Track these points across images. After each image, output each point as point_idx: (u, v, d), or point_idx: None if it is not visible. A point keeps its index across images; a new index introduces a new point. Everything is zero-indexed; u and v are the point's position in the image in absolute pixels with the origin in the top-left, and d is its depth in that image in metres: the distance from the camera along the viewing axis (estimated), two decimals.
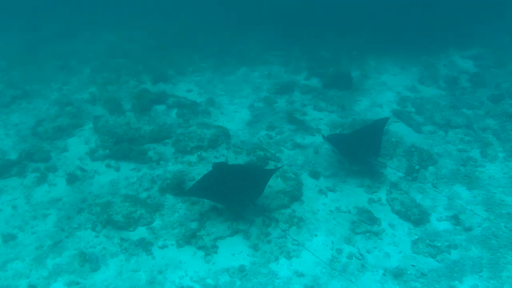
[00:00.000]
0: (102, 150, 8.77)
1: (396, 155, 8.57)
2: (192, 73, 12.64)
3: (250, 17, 16.52)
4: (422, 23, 14.64)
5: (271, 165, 8.33)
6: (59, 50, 14.74)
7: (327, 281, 6.08)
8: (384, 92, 11.21)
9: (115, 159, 8.63)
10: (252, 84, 11.82)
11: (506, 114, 9.77)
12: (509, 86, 11.02)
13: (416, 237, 6.77)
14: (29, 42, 15.46)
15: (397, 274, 6.14)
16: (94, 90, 11.44)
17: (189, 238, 6.67)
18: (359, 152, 7.82)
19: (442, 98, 10.75)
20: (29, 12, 18.40)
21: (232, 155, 8.62)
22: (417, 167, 8.19)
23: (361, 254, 6.48)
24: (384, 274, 6.17)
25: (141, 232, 6.93)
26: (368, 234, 6.82)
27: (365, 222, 7.00)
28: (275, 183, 7.69)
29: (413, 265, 6.30)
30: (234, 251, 6.54)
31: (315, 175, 8.07)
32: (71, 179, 8.10)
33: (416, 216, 7.03)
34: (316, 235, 6.81)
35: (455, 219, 7.03)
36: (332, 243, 6.69)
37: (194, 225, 6.94)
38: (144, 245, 6.66)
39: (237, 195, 6.71)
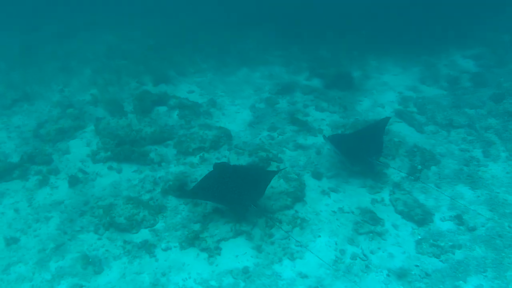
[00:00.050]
0: (104, 152, 8.75)
1: (399, 155, 8.56)
2: (193, 74, 12.62)
3: (250, 17, 16.50)
4: (422, 23, 14.61)
5: (273, 166, 8.31)
6: (59, 51, 14.72)
7: (331, 282, 6.06)
8: (386, 92, 11.19)
9: (117, 161, 8.61)
10: (253, 85, 11.81)
11: (508, 114, 9.73)
12: (511, 85, 10.98)
13: (420, 237, 6.76)
14: (29, 43, 15.43)
15: (401, 274, 6.13)
16: (95, 92, 11.41)
17: (192, 240, 6.65)
18: (361, 152, 7.80)
19: (443, 98, 10.73)
20: (28, 13, 18.39)
21: (234, 156, 8.60)
22: (419, 167, 8.17)
23: (364, 255, 6.47)
24: (388, 275, 6.16)
25: (144, 234, 6.92)
26: (371, 234, 6.81)
27: (368, 223, 6.99)
28: (277, 184, 7.68)
29: (417, 266, 6.29)
30: (237, 253, 6.52)
31: (317, 175, 8.06)
32: (73, 181, 8.08)
33: (419, 216, 7.02)
34: (319, 236, 6.79)
35: (459, 219, 7.01)
36: (336, 244, 6.67)
37: (197, 227, 6.93)
38: (147, 248, 6.65)
39: (238, 196, 6.70)
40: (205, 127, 9.35)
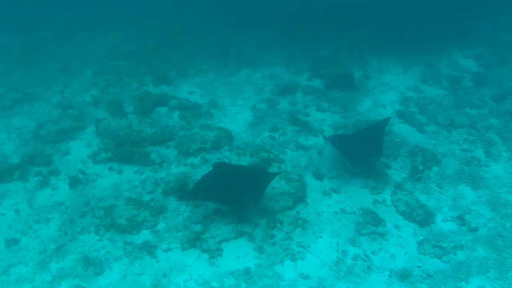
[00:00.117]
0: (105, 153, 8.72)
1: (400, 156, 8.53)
2: (194, 74, 12.62)
3: (250, 18, 16.52)
4: (422, 23, 14.62)
5: (274, 167, 8.29)
6: (59, 52, 14.74)
7: (333, 283, 6.03)
8: (387, 92, 11.18)
9: (118, 162, 8.59)
10: (254, 86, 11.80)
11: (510, 113, 9.73)
12: None
13: (422, 238, 6.73)
14: (29, 44, 15.45)
15: (403, 275, 6.09)
16: (95, 93, 11.42)
17: (194, 241, 6.62)
18: (361, 153, 7.78)
19: (445, 98, 10.72)
20: (28, 14, 18.39)
21: (235, 157, 8.59)
22: (421, 167, 8.14)
23: (366, 256, 6.44)
24: (390, 276, 6.13)
25: (145, 235, 6.89)
26: (373, 235, 6.78)
27: (370, 223, 6.96)
28: (278, 185, 7.66)
29: (419, 266, 6.26)
30: (239, 254, 6.49)
31: (319, 176, 8.04)
32: (74, 182, 8.06)
33: (421, 217, 6.99)
34: (321, 237, 6.77)
35: (460, 220, 6.99)
36: (337, 244, 6.65)
37: (198, 227, 6.90)
38: (148, 249, 6.62)
39: (238, 196, 6.67)
40: (206, 128, 9.33)
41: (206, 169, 8.22)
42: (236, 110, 10.59)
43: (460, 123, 9.46)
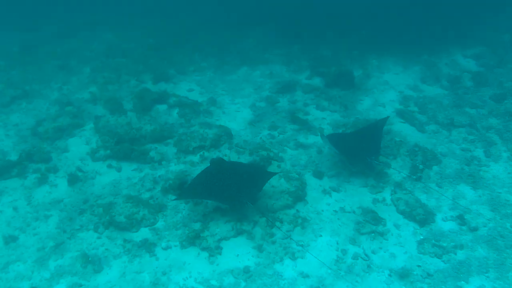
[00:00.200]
0: (103, 151, 8.68)
1: (400, 155, 8.52)
2: (193, 72, 12.57)
3: (250, 16, 16.47)
4: (422, 22, 14.60)
5: (274, 165, 8.26)
6: (58, 49, 14.68)
7: (333, 282, 6.02)
8: (387, 92, 11.16)
9: (117, 159, 8.55)
10: (253, 84, 11.76)
11: (509, 114, 9.73)
12: None
13: (422, 237, 6.72)
14: (28, 42, 15.36)
15: (403, 274, 6.08)
16: (94, 90, 11.37)
17: (193, 239, 6.59)
18: (359, 152, 7.77)
19: (445, 97, 10.71)
20: (28, 12, 18.31)
21: (235, 155, 8.56)
22: (421, 166, 8.13)
23: (366, 255, 6.42)
24: (390, 275, 6.12)
25: (144, 233, 6.86)
26: (373, 234, 6.77)
27: (370, 223, 6.94)
28: (278, 183, 7.64)
29: (419, 266, 6.24)
30: (238, 252, 6.47)
31: (318, 175, 8.01)
32: (72, 179, 8.02)
33: (421, 216, 6.97)
34: (320, 236, 6.75)
35: (461, 219, 6.97)
36: (337, 243, 6.63)
37: (197, 226, 6.87)
38: (147, 246, 6.59)
39: (234, 192, 6.65)
40: (205, 126, 9.30)
41: (205, 167, 8.19)
42: (236, 108, 10.55)
43: (460, 123, 9.45)
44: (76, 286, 6.03)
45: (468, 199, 7.46)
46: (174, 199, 7.09)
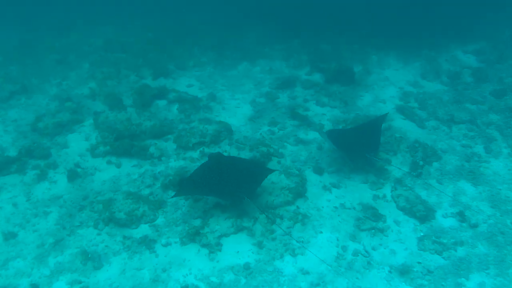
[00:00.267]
0: (103, 147, 8.64)
1: (400, 151, 8.51)
2: (193, 67, 12.53)
3: (249, 11, 16.40)
4: (422, 18, 14.55)
5: (274, 161, 8.24)
6: (56, 44, 14.61)
7: (333, 278, 6.01)
8: (387, 87, 11.13)
9: (116, 155, 8.52)
10: (253, 79, 11.72)
11: (510, 110, 9.73)
12: None
13: (422, 234, 6.72)
14: (26, 36, 15.28)
15: (403, 271, 6.08)
16: (93, 85, 11.32)
17: (193, 236, 6.58)
18: (358, 148, 7.75)
19: (445, 93, 10.69)
20: (26, 6, 18.18)
21: (235, 151, 8.54)
22: (421, 163, 8.11)
23: (366, 251, 6.42)
24: (390, 271, 6.12)
25: (144, 229, 6.85)
26: (373, 231, 6.76)
27: (370, 219, 6.94)
28: (278, 179, 7.62)
29: (419, 262, 6.25)
30: (238, 249, 6.46)
31: (319, 171, 8.00)
32: (72, 176, 7.99)
33: (421, 213, 6.97)
34: (321, 232, 6.74)
35: (461, 216, 6.97)
36: (337, 240, 6.62)
37: (197, 222, 6.86)
38: (147, 243, 6.57)
39: (232, 187, 6.63)
40: (205, 122, 9.26)
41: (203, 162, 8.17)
42: (235, 103, 10.52)
43: (460, 119, 9.44)
44: (76, 283, 6.02)
45: (468, 195, 7.46)
46: (172, 197, 7.08)
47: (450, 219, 6.98)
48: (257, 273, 6.10)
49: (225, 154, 8.43)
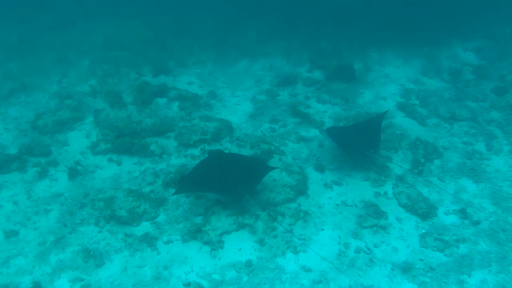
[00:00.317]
0: (104, 144, 8.61)
1: (401, 148, 8.50)
2: (193, 65, 12.51)
3: (249, 8, 16.34)
4: (423, 15, 14.51)
5: (275, 159, 8.23)
6: (56, 41, 14.50)
7: (335, 276, 6.00)
8: (388, 85, 11.12)
9: (117, 153, 8.50)
10: (253, 77, 11.70)
11: (511, 107, 9.70)
12: None
13: (424, 231, 6.72)
14: (26, 34, 15.17)
15: (406, 268, 6.08)
16: (94, 83, 11.28)
17: (195, 233, 6.56)
18: (358, 145, 7.74)
19: (446, 91, 10.69)
20: (25, 3, 18.09)
21: (236, 149, 8.52)
22: (422, 160, 8.10)
23: (368, 249, 6.41)
24: (392, 269, 6.11)
25: (145, 227, 6.83)
26: (375, 228, 6.75)
27: (371, 216, 6.93)
28: (279, 177, 7.61)
29: (421, 260, 6.24)
30: (240, 246, 6.45)
31: (320, 168, 7.99)
32: (73, 173, 7.96)
33: (423, 210, 6.97)
34: (322, 229, 6.73)
35: (463, 213, 6.97)
36: (339, 237, 6.61)
37: (199, 219, 6.85)
38: (149, 241, 6.56)
39: (232, 183, 6.61)
40: (205, 119, 9.24)
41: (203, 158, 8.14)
42: (236, 101, 10.50)
43: (461, 116, 9.43)
44: (78, 281, 6.00)
45: (470, 192, 7.45)
46: (172, 194, 7.03)
47: (452, 216, 6.98)
48: (259, 271, 6.09)
49: (226, 151, 8.41)
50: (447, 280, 5.93)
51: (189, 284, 5.90)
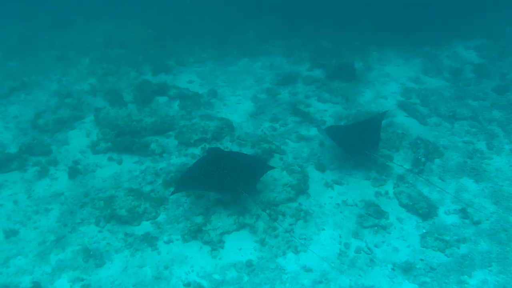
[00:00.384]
0: (104, 143, 8.59)
1: (402, 147, 8.48)
2: (193, 63, 12.48)
3: (250, 7, 16.29)
4: (423, 14, 14.46)
5: (276, 158, 8.21)
6: (56, 40, 14.49)
7: (336, 276, 6.00)
8: (388, 84, 11.09)
9: (117, 152, 8.48)
10: (254, 75, 11.68)
11: None
12: None
13: (425, 231, 6.70)
14: (26, 32, 15.15)
15: (406, 268, 6.06)
16: (94, 81, 11.26)
17: (195, 233, 6.55)
18: (357, 145, 7.71)
19: (446, 89, 10.66)
20: (25, 2, 18.05)
21: (237, 148, 8.51)
22: (423, 159, 8.08)
23: (369, 249, 6.40)
24: (393, 269, 6.10)
25: (145, 226, 6.82)
26: (376, 228, 6.74)
27: (372, 216, 6.91)
28: (280, 176, 7.60)
29: (422, 260, 6.23)
30: (241, 246, 6.43)
31: (321, 167, 7.97)
32: (73, 172, 7.95)
33: (424, 210, 6.94)
34: (323, 229, 6.72)
35: (463, 213, 6.95)
36: (340, 237, 6.60)
37: (199, 219, 6.84)
38: (149, 240, 6.54)
39: (230, 181, 6.60)
40: (206, 118, 9.22)
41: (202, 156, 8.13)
42: (236, 100, 10.48)
43: (462, 115, 9.41)
44: (78, 281, 5.99)
45: (470, 192, 7.44)
46: (171, 194, 7.00)
47: (453, 216, 6.96)
48: (260, 271, 6.08)
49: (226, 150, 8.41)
50: (448, 281, 5.92)
51: (189, 284, 5.89)
